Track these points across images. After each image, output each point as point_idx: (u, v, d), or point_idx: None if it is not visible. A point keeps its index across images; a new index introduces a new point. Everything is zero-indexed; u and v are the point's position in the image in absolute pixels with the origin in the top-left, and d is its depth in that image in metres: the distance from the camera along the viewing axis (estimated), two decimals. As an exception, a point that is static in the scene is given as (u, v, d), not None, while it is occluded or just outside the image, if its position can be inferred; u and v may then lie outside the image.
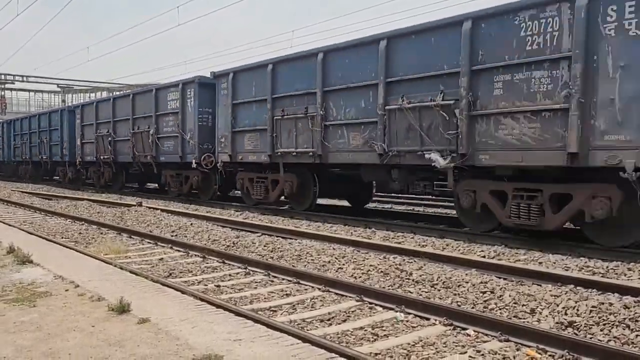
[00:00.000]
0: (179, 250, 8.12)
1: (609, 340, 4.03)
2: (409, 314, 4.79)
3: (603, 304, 4.52)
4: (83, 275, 5.52)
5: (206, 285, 6.02)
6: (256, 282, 6.16)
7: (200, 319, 4.05)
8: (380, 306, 5.05)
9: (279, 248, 7.78)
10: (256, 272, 6.58)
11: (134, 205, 13.16)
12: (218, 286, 5.93)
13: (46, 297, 4.74)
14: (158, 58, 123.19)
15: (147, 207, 13.00)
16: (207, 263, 7.25)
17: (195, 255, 7.72)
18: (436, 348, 4.00)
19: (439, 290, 5.51)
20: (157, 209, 12.66)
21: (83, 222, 11.24)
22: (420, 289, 5.61)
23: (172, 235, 9.46)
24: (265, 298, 5.48)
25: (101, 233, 9.91)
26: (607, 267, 6.16)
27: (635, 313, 4.27)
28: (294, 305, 5.18)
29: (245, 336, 3.65)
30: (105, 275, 5.66)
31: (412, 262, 6.47)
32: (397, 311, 4.84)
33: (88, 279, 5.38)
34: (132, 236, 9.48)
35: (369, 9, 71.29)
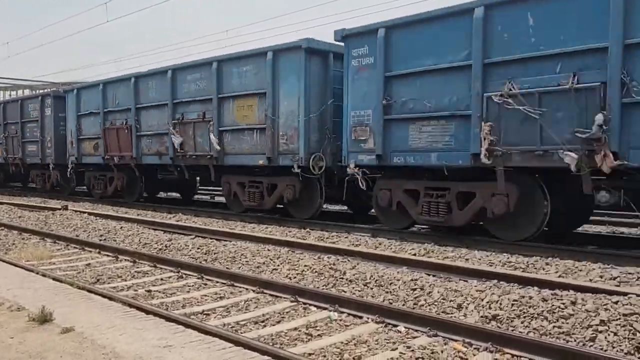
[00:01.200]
0: (107, 255, 7.82)
1: (529, 332, 4.26)
2: (343, 313, 4.86)
3: (524, 297, 4.76)
4: (1, 284, 5.21)
5: (136, 290, 5.84)
6: (189, 286, 6.04)
7: (129, 326, 3.93)
8: (315, 306, 5.09)
9: (213, 250, 7.67)
10: (189, 275, 6.45)
11: (59, 209, 12.56)
12: (149, 291, 5.76)
13: (-41, 308, 4.45)
14: (87, 55, 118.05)
15: (73, 210, 12.44)
16: (138, 267, 7.03)
17: (125, 259, 7.47)
18: (368, 346, 4.08)
19: (372, 288, 5.62)
20: (84, 212, 12.14)
21: (2, 227, 10.59)
22: (353, 288, 5.71)
23: (100, 240, 9.10)
24: (198, 302, 5.39)
25: (23, 239, 9.38)
26: (528, 262, 6.50)
27: (552, 305, 4.53)
28: (227, 308, 5.13)
29: (176, 342, 3.57)
30: (27, 283, 5.38)
31: (345, 262, 6.56)
32: (331, 310, 4.90)
33: (7, 287, 5.09)
34: (57, 241, 9.04)
35: (310, 8, 71.10)
